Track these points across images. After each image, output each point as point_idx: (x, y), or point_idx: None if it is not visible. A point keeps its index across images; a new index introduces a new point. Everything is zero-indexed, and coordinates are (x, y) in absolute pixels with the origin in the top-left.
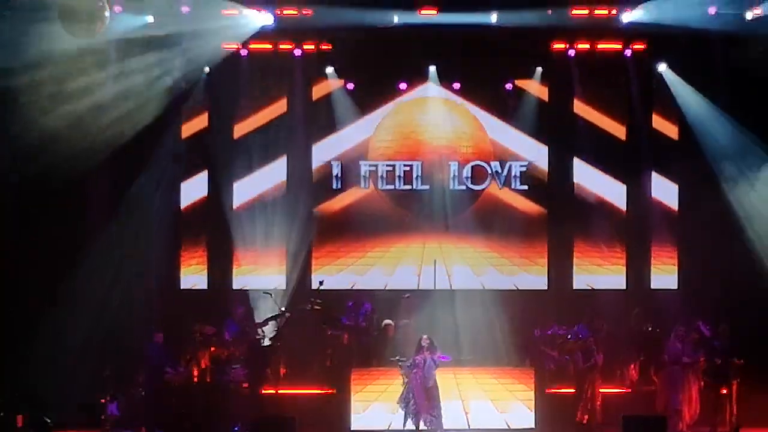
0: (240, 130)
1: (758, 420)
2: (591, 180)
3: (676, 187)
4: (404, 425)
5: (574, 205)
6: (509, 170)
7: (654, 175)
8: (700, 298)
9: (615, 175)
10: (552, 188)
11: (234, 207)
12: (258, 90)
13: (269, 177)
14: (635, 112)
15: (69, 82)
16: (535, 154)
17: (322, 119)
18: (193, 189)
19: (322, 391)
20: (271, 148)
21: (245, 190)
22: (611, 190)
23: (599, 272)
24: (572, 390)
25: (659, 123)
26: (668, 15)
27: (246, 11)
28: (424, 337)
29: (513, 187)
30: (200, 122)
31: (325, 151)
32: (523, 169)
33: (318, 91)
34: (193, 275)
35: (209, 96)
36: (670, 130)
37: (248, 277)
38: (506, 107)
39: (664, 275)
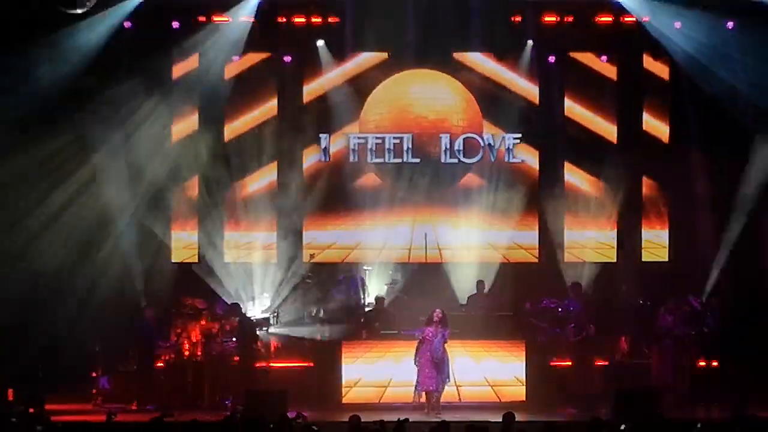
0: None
1: (749, 393)
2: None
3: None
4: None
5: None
6: (502, 142)
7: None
8: (691, 272)
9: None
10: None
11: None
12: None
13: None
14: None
15: None
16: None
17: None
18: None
19: (313, 365)
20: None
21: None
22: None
23: (590, 245)
24: (569, 363)
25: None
26: None
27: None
28: (438, 311)
29: (506, 160)
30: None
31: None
32: (517, 141)
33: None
34: (185, 249)
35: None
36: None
37: (239, 251)
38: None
39: (655, 248)
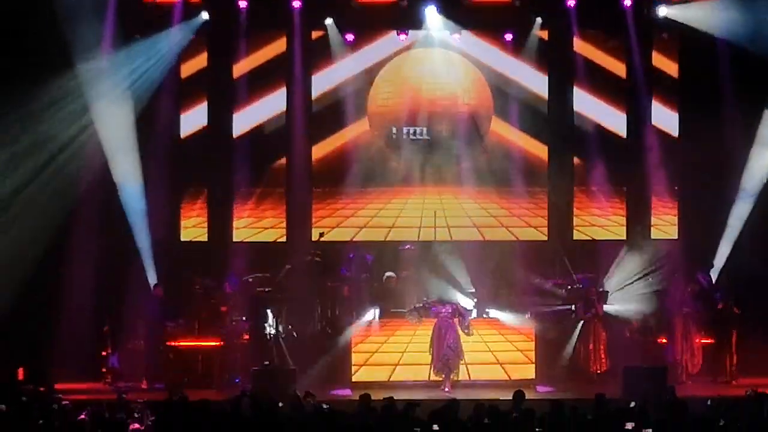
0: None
1: (757, 369)
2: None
3: (677, 117)
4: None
5: (575, 139)
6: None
7: (654, 105)
8: (701, 249)
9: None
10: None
11: (234, 136)
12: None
13: (269, 107)
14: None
15: None
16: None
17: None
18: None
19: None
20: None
21: (244, 120)
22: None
23: (599, 222)
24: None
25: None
26: None
27: None
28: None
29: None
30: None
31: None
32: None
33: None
34: (194, 228)
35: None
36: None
37: (248, 230)
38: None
39: (664, 225)
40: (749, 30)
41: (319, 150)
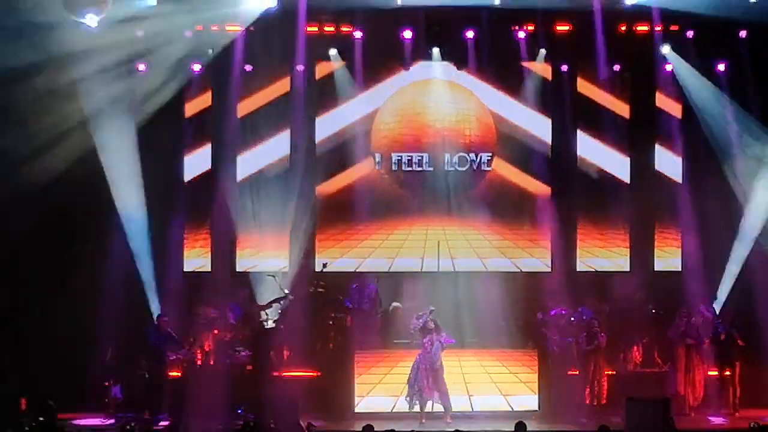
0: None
1: (760, 401)
2: (594, 153)
3: (680, 161)
4: (410, 407)
5: (578, 182)
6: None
7: (658, 149)
8: (704, 281)
9: (619, 148)
10: (555, 164)
11: (237, 180)
12: (261, 69)
13: (272, 151)
14: (639, 90)
15: None
16: (539, 128)
17: (326, 95)
18: (197, 163)
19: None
20: (274, 123)
21: (248, 164)
22: (614, 163)
23: (603, 254)
24: (576, 372)
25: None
26: None
27: None
28: (429, 319)
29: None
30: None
31: (328, 126)
32: (489, 158)
33: (321, 70)
34: (197, 258)
35: (212, 76)
36: (674, 109)
37: (251, 260)
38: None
39: (668, 257)
40: None
41: (324, 187)
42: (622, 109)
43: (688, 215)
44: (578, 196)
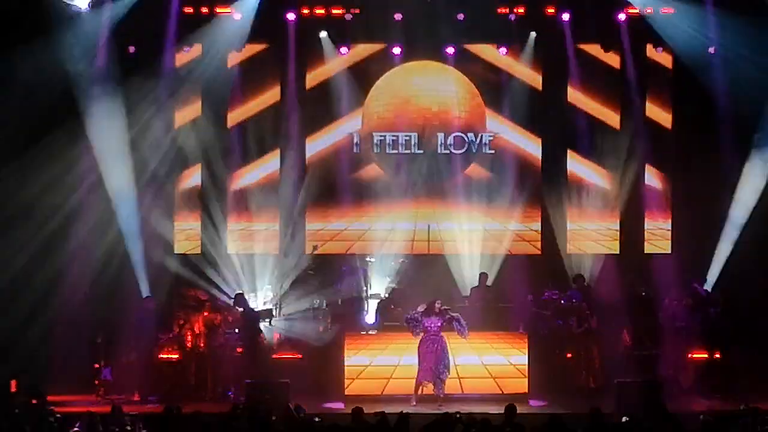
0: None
1: (751, 384)
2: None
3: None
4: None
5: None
6: (480, 140)
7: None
8: (694, 263)
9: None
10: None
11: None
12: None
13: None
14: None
15: None
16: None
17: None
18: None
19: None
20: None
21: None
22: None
23: (593, 236)
24: (569, 355)
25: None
26: None
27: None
28: (438, 301)
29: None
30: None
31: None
32: (491, 137)
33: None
34: (187, 240)
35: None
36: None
37: (242, 242)
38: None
39: (658, 239)
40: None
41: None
42: (613, 60)
43: (679, 202)
44: (568, 140)
